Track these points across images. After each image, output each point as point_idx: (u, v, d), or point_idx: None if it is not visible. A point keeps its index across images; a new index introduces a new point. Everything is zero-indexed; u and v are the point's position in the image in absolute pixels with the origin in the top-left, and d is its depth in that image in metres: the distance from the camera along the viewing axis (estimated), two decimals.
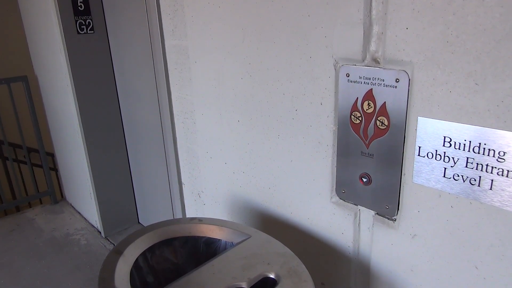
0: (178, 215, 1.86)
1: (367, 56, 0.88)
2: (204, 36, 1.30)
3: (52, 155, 3.20)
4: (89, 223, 2.72)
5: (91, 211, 2.62)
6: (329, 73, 0.97)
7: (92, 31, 2.28)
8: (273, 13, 1.05)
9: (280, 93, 1.11)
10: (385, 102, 0.87)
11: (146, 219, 2.62)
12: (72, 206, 2.98)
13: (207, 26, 1.27)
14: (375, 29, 0.85)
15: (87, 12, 2.24)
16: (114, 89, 2.41)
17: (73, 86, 2.29)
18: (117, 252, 0.97)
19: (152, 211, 2.52)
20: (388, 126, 0.88)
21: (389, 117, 0.87)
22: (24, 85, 2.78)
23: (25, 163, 3.16)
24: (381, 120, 0.89)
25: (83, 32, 2.26)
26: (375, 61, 0.87)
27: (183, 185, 1.68)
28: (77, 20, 2.22)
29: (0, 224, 2.78)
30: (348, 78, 0.93)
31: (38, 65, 2.76)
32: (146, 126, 2.22)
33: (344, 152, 0.99)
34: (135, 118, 2.34)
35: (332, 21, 0.92)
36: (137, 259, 0.98)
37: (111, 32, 2.28)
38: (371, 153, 0.93)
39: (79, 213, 2.86)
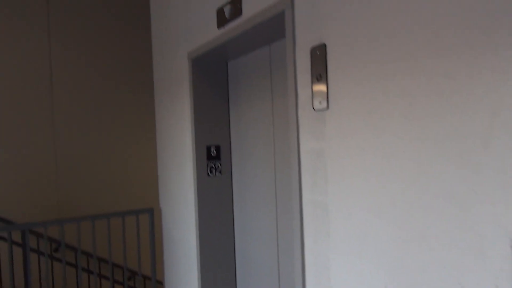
0: None
1: None
2: (347, 196, 1.35)
3: (160, 283, 3.31)
4: None
5: None
6: (505, 253, 0.92)
7: (220, 174, 2.53)
8: (430, 181, 1.08)
9: (438, 264, 1.07)
10: None
11: None
12: None
13: (352, 187, 1.34)
14: None
15: (218, 157, 2.53)
16: (232, 229, 2.54)
17: (197, 223, 2.47)
18: None
19: None
20: None
21: None
22: (149, 216, 3.08)
23: None
24: None
25: (212, 174, 2.51)
26: None
27: None
28: (209, 164, 2.50)
29: None
30: None
31: (165, 199, 3.07)
32: (262, 271, 2.23)
33: None
34: (250, 259, 2.38)
35: (508, 201, 0.91)
36: None
37: (236, 175, 2.50)
38: None
39: None
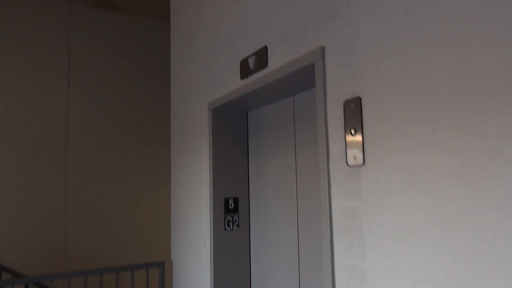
0: None
1: None
2: (389, 262, 1.23)
3: None
4: None
5: None
6: None
7: (237, 227, 2.41)
8: (491, 252, 0.96)
9: None
10: None
11: None
12: None
13: (395, 252, 1.21)
14: None
15: (235, 210, 2.42)
16: (249, 284, 2.38)
17: (212, 280, 2.31)
18: None
19: None
20: None
21: None
22: (160, 270, 2.92)
23: None
24: None
25: (229, 228, 2.39)
26: None
27: None
28: (226, 218, 2.39)
29: None
30: None
31: (177, 252, 2.92)
32: None
33: None
34: None
35: None
36: None
37: (254, 230, 2.37)
38: None
39: None
